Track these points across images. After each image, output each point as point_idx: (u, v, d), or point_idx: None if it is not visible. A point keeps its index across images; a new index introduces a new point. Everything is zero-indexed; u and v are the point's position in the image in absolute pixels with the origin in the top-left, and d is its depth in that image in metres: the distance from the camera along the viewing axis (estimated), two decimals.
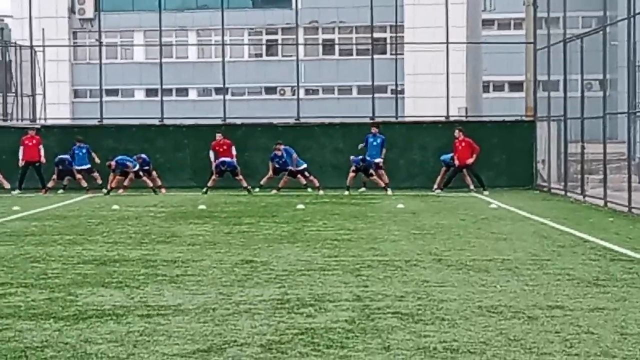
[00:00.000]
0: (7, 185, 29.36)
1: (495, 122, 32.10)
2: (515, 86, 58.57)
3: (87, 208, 23.28)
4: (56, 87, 55.55)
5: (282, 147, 29.06)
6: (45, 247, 14.60)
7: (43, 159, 29.75)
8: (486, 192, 27.75)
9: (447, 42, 32.23)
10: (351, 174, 28.72)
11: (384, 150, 29.37)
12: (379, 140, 29.46)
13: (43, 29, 42.01)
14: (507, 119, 32.34)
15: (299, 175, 29.00)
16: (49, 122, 37.99)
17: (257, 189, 28.83)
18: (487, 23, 55.09)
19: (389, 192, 28.19)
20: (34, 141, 29.98)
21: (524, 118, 32.11)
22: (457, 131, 29.01)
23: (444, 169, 29.16)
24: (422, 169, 30.56)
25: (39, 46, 40.77)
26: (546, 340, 7.83)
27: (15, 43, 46.25)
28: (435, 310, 9.09)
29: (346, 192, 28.20)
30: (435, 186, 28.81)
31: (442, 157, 29.28)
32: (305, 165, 29.20)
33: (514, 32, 57.20)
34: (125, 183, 29.06)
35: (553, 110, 29.16)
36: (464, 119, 35.46)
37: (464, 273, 11.63)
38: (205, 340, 7.81)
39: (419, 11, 55.55)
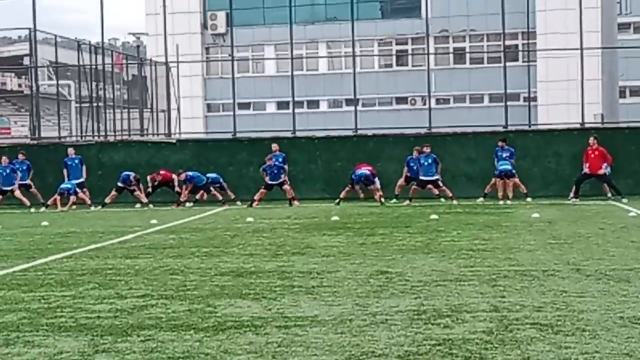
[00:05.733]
0: (145, 200, 30.02)
1: (634, 129, 31.39)
2: None
3: (222, 221, 23.64)
4: (190, 101, 56.68)
5: (425, 150, 29.11)
6: (183, 260, 14.85)
7: (177, 188, 30.13)
8: (625, 200, 27.13)
9: (582, 48, 31.70)
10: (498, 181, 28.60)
11: (512, 161, 29.08)
12: (507, 153, 29.18)
13: (177, 45, 42.84)
14: None
15: (429, 185, 28.86)
16: (184, 137, 38.74)
17: (394, 200, 28.80)
18: (623, 27, 53.91)
19: (529, 199, 27.98)
20: (164, 178, 30.40)
21: None
22: (592, 139, 28.44)
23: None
24: (557, 177, 30.11)
25: (173, 62, 41.63)
26: None
27: (150, 60, 47.47)
28: (575, 321, 8.90)
29: (479, 201, 28.00)
30: (572, 194, 28.28)
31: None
32: (438, 176, 29.07)
33: None
34: (197, 196, 29.92)
35: None
36: (600, 125, 34.74)
37: (604, 283, 11.37)
38: (343, 351, 7.81)
39: (550, 17, 54.73)
